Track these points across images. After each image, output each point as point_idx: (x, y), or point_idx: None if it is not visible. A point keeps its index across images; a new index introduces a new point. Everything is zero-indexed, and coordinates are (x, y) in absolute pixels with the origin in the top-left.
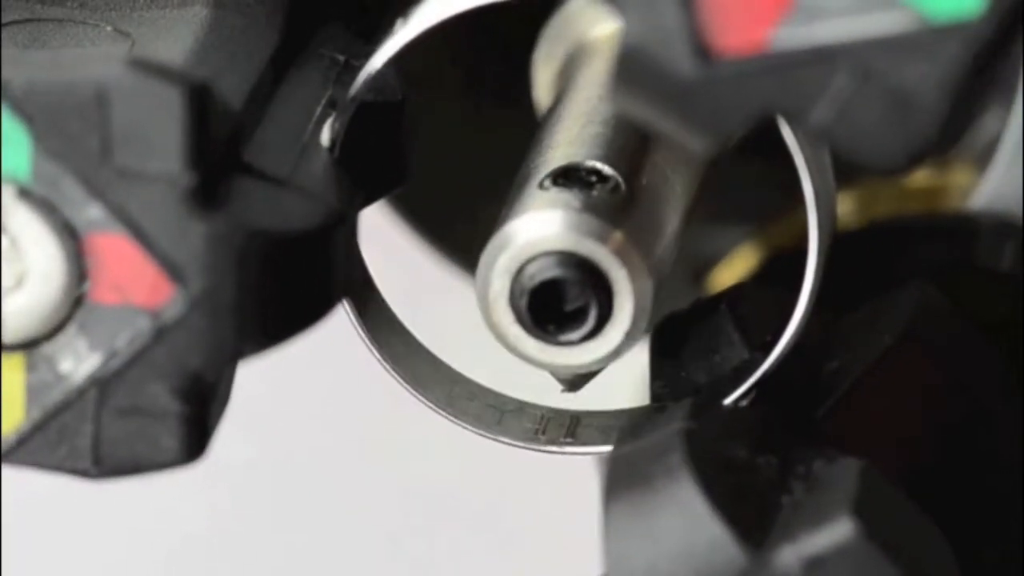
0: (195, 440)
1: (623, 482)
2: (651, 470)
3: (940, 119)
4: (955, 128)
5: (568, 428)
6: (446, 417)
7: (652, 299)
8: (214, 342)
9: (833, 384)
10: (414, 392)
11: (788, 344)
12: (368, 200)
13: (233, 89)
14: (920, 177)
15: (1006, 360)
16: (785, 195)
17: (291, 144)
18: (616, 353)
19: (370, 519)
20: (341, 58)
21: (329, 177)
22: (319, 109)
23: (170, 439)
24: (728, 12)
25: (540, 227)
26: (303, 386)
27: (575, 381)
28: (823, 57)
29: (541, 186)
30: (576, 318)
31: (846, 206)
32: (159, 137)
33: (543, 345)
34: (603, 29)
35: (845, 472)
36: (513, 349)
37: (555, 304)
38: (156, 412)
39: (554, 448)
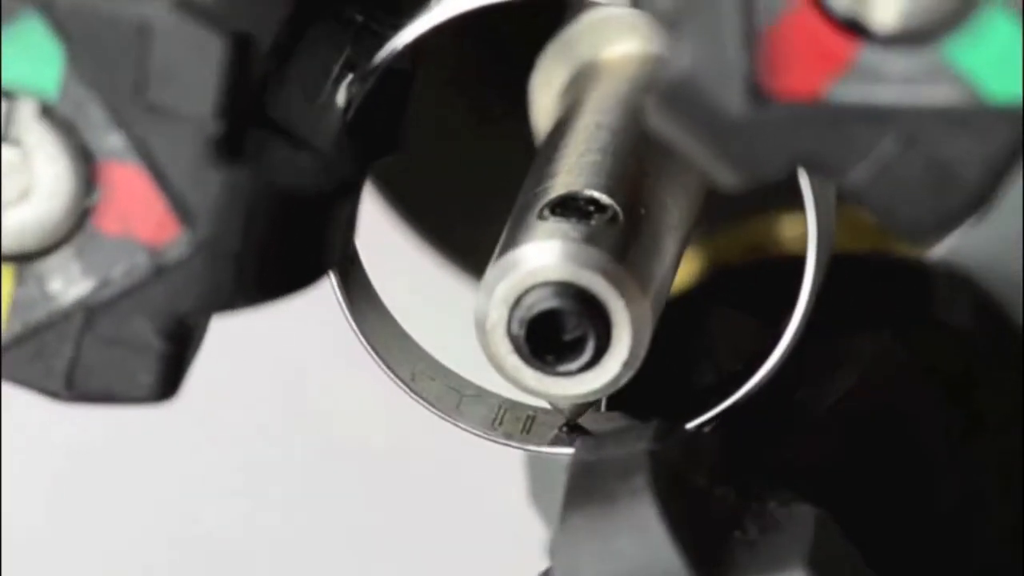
0: (169, 380)
1: (583, 495)
2: (613, 488)
3: (977, 195)
4: (987, 204)
5: (524, 424)
6: (408, 394)
7: (650, 329)
8: (209, 289)
9: (796, 417)
10: (382, 364)
11: (764, 378)
12: (367, 164)
13: (262, 41)
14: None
15: (960, 414)
16: (730, 204)
17: (309, 103)
18: (614, 383)
19: (369, 522)
20: (360, 18)
21: (343, 141)
22: (336, 69)
23: (147, 375)
24: (791, 58)
25: (538, 257)
26: (299, 386)
27: (574, 411)
28: (874, 118)
29: (539, 215)
30: (574, 348)
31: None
32: (195, 80)
33: (541, 375)
34: (603, 54)
35: (801, 519)
36: (511, 378)
37: (553, 334)
38: (138, 347)
39: (510, 442)
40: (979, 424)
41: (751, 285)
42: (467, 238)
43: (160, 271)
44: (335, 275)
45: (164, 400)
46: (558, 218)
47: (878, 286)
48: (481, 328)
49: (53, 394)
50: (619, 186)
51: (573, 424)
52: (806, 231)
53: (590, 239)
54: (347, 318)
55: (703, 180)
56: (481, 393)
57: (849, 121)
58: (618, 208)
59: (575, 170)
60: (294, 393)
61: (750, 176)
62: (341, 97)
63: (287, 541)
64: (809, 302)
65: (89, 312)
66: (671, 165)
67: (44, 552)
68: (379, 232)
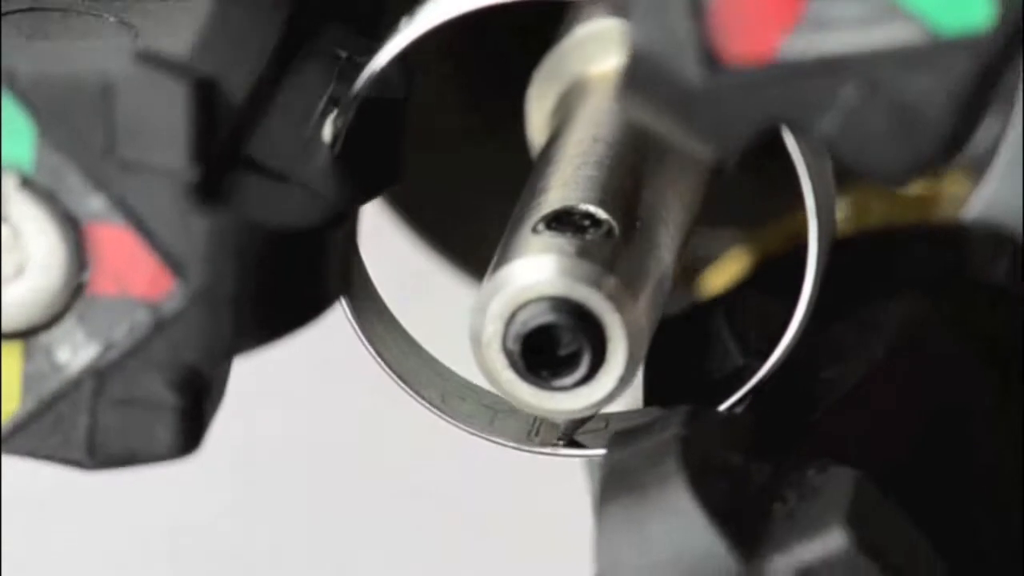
0: (190, 433)
1: (617, 487)
2: (645, 476)
3: (946, 132)
4: (959, 140)
5: (564, 430)
6: (439, 416)
7: (646, 344)
8: (212, 336)
9: (825, 393)
10: (408, 390)
11: (784, 352)
12: (366, 197)
13: (237, 83)
14: (913, 185)
15: (997, 373)
16: (776, 198)
17: (293, 140)
18: (610, 398)
19: (367, 520)
20: (344, 54)
21: (330, 174)
22: (321, 105)
23: (165, 431)
24: (737, 21)
25: (533, 272)
26: (298, 384)
27: (570, 426)
28: (831, 68)
29: (534, 230)
30: (569, 363)
31: (839, 213)
32: (164, 131)
33: (536, 390)
34: (597, 68)
35: (838, 482)
36: (506, 393)
37: (548, 349)
38: (152, 404)
39: (547, 450)
40: (1016, 383)
41: (788, 272)
42: (469, 243)
43: (161, 325)
44: (346, 303)
45: (187, 454)
46: (553, 232)
47: (915, 255)
48: (476, 343)
49: (78, 464)
50: (614, 200)
51: (570, 439)
52: (803, 198)
53: (585, 253)
54: (367, 347)
55: (699, 192)
56: (514, 408)
57: (807, 75)
58: (613, 222)
59: (570, 184)
60: (288, 392)
61: (722, 144)
62: (327, 132)
63: (284, 540)
64: (818, 271)
65: (99, 376)
66: (666, 178)
67: (41, 547)
68: (384, 248)
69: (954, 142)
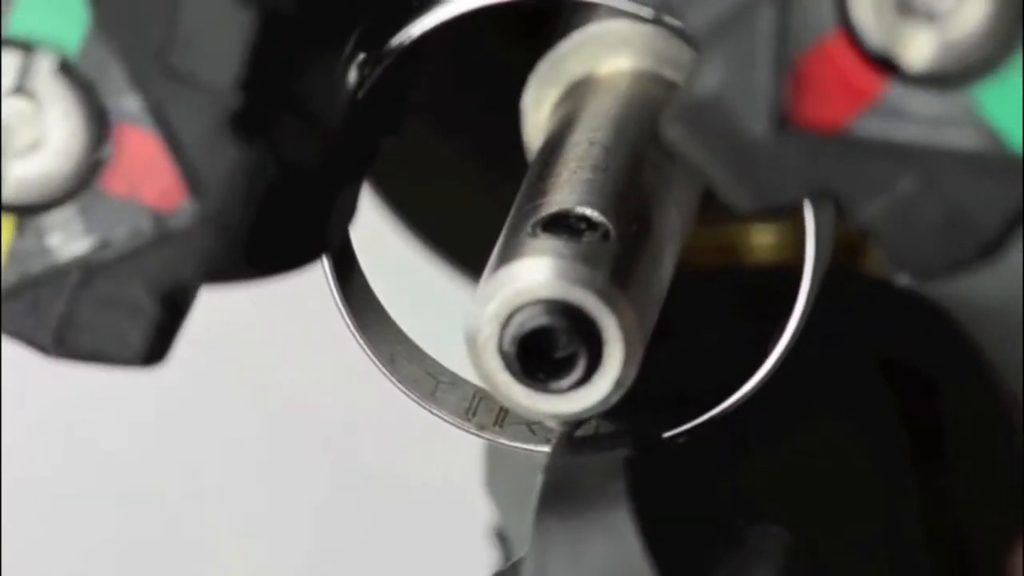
0: (159, 345)
1: (559, 497)
2: (590, 492)
3: (992, 242)
4: (999, 250)
5: (498, 416)
6: (385, 375)
7: (643, 347)
8: (209, 260)
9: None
10: (362, 343)
11: (741, 398)
12: (375, 149)
13: (293, 23)
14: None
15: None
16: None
17: (326, 84)
18: (606, 401)
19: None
20: None
21: (353, 121)
22: (348, 48)
23: (138, 338)
24: (819, 87)
25: (529, 275)
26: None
27: (566, 428)
28: (896, 155)
29: (531, 233)
30: (565, 366)
31: (766, 239)
32: (220, 50)
33: (532, 393)
34: (594, 71)
35: (773, 545)
36: (502, 395)
37: (544, 352)
38: (132, 310)
39: (482, 433)
40: (934, 447)
41: (719, 289)
42: (466, 245)
43: (163, 237)
44: (327, 257)
45: (151, 364)
46: (549, 235)
47: (842, 303)
48: (472, 345)
49: (42, 349)
50: (611, 204)
51: (567, 440)
52: (803, 258)
53: (581, 257)
54: (335, 296)
55: (695, 196)
56: (456, 381)
57: (870, 156)
58: (610, 226)
59: (567, 187)
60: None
61: (766, 201)
62: (352, 76)
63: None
64: (797, 331)
65: (88, 271)
66: (662, 182)
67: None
68: (368, 221)
69: (991, 252)
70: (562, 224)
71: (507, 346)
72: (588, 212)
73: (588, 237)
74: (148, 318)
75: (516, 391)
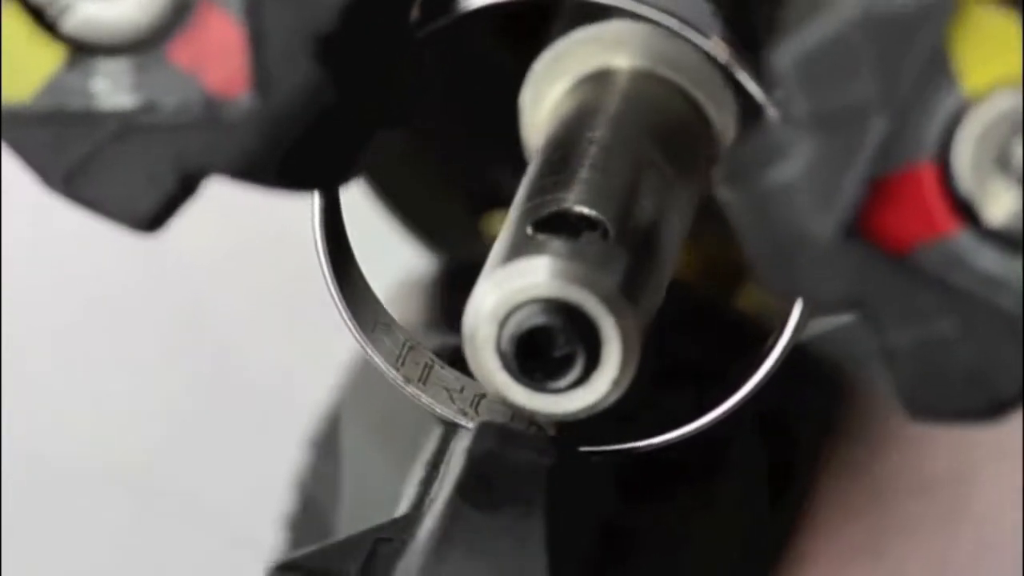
0: (162, 217)
1: (478, 487)
2: (510, 493)
3: (1005, 403)
4: (1009, 409)
5: (423, 372)
6: (334, 301)
7: (640, 346)
8: (244, 157)
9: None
10: (326, 270)
11: (677, 437)
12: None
13: None
14: None
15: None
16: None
17: (392, 21)
18: (604, 401)
19: None
20: None
21: (407, 64)
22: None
23: (147, 205)
24: (898, 208)
25: (527, 274)
26: None
27: (563, 427)
28: (944, 295)
29: (529, 232)
30: (563, 366)
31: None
32: None
33: (530, 392)
34: (593, 70)
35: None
36: (500, 395)
37: (543, 351)
38: (152, 178)
39: (406, 387)
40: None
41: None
42: (461, 240)
43: (210, 122)
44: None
45: (147, 231)
46: (548, 235)
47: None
48: (471, 344)
49: (48, 182)
50: (609, 203)
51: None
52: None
53: (579, 256)
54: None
55: (693, 199)
56: (392, 326)
57: (920, 287)
58: (608, 225)
59: (565, 187)
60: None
61: (801, 294)
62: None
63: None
64: (767, 375)
65: (124, 127)
66: (661, 182)
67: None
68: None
69: (1003, 414)
70: (560, 223)
71: (505, 345)
72: (587, 211)
73: (587, 237)
74: (164, 191)
75: (514, 390)
